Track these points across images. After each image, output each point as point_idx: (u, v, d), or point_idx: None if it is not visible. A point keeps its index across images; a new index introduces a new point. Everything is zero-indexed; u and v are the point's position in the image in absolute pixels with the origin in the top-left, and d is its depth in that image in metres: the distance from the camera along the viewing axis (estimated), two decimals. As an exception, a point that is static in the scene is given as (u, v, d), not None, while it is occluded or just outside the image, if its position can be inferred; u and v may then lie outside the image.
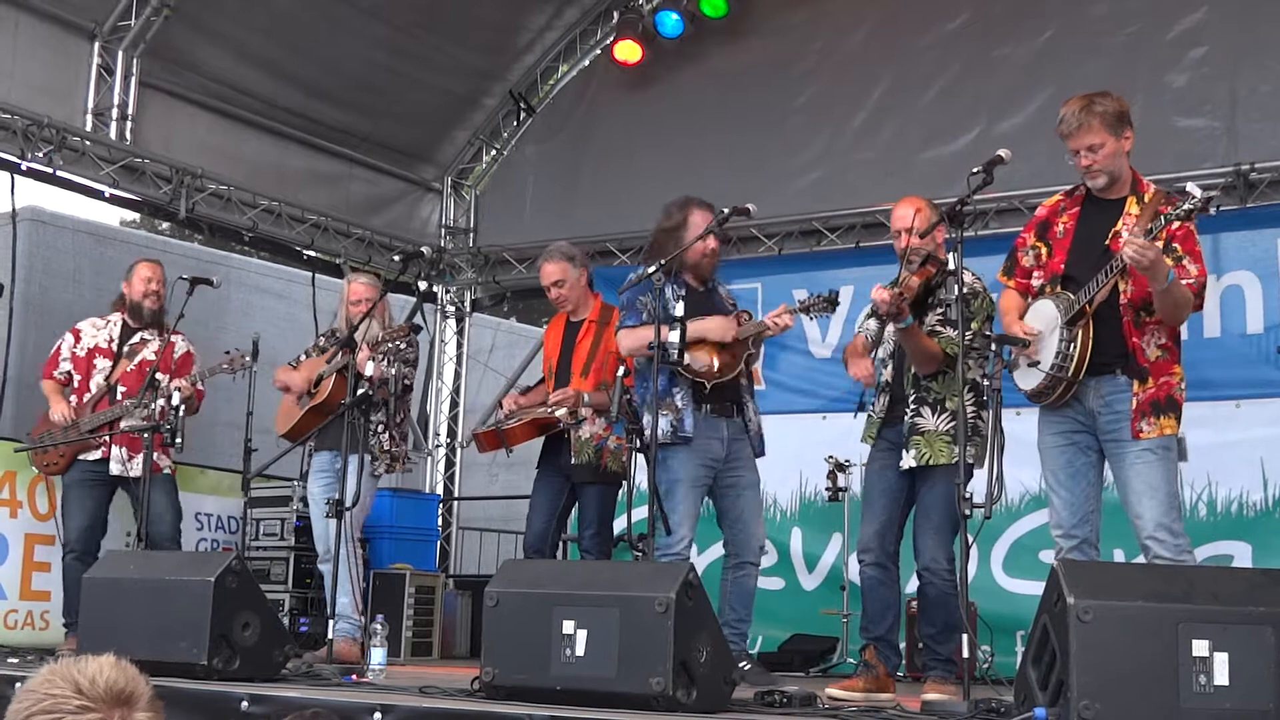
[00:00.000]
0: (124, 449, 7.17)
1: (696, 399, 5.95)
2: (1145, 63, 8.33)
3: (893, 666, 5.69)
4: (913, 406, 5.61)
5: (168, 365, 7.27)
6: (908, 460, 5.57)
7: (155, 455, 6.95)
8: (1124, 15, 8.47)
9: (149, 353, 7.34)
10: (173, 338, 7.40)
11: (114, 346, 7.36)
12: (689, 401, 5.94)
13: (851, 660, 7.80)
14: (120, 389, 7.23)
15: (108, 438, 7.13)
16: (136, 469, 7.07)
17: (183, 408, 6.78)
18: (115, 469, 7.19)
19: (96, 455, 7.21)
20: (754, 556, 6.11)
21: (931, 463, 5.50)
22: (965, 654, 4.76)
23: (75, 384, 7.39)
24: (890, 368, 5.80)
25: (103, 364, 7.34)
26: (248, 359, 7.04)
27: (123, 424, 7.12)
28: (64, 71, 8.67)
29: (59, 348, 7.47)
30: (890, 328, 5.74)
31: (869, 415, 5.87)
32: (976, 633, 6.18)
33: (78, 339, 7.47)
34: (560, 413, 6.73)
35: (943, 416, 5.55)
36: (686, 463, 5.89)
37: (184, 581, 5.29)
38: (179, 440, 6.72)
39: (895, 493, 5.69)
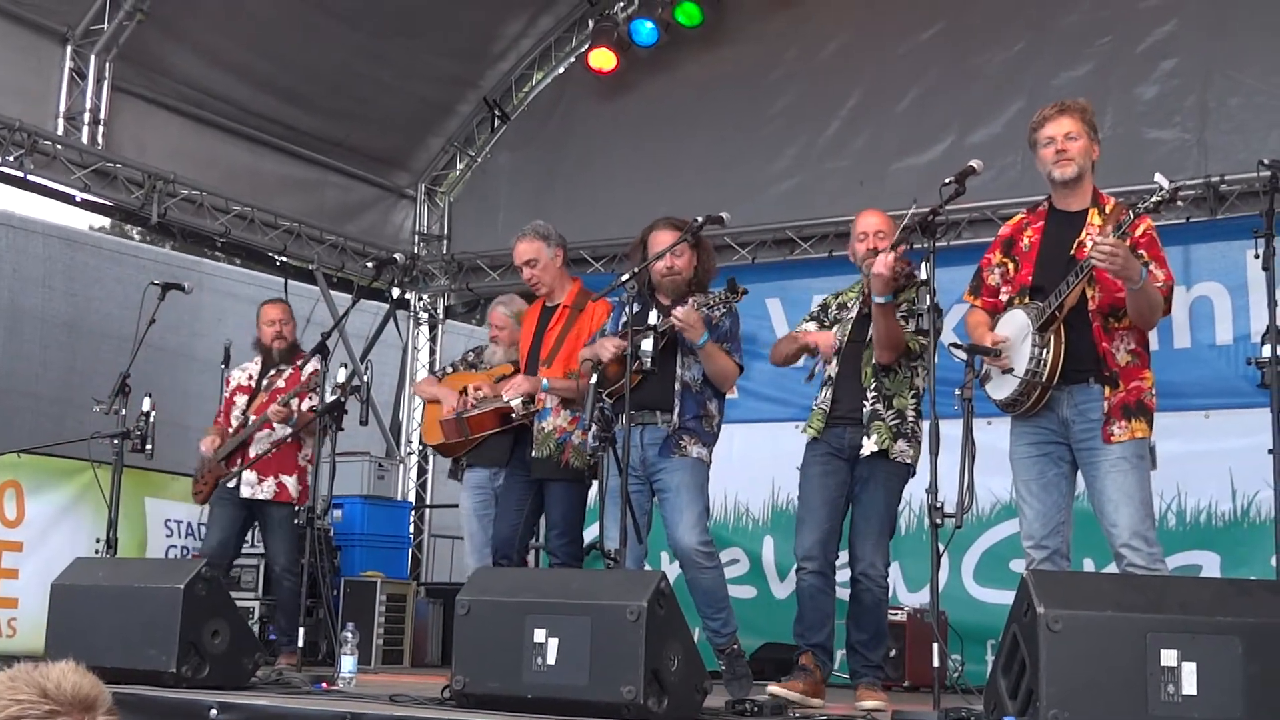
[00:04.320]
0: (254, 473, 7.48)
1: (616, 410, 5.85)
2: (1116, 74, 8.39)
3: (827, 672, 5.72)
4: (872, 396, 5.66)
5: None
6: (869, 445, 5.60)
7: (282, 479, 7.47)
8: (1096, 27, 8.52)
9: (280, 381, 7.64)
10: (300, 363, 7.66)
11: (253, 383, 7.74)
12: (611, 413, 5.86)
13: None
14: (252, 418, 7.55)
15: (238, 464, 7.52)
16: (265, 492, 7.49)
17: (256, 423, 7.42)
18: (245, 491, 7.49)
19: (234, 482, 7.53)
20: (685, 557, 5.73)
21: (888, 450, 5.59)
22: (936, 663, 4.76)
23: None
24: (836, 363, 5.82)
25: (241, 400, 7.75)
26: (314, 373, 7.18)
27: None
28: (35, 75, 8.62)
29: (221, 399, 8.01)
30: (835, 330, 5.84)
31: (814, 405, 5.86)
32: (947, 642, 6.20)
33: (228, 385, 7.97)
34: (515, 402, 6.40)
35: (890, 411, 5.65)
36: (608, 470, 5.77)
37: (153, 589, 5.27)
38: (149, 447, 6.72)
39: (836, 501, 5.72)
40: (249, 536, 8.13)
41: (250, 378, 7.78)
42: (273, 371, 7.71)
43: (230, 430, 7.67)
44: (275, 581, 7.74)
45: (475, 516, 7.02)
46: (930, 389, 4.95)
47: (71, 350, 10.31)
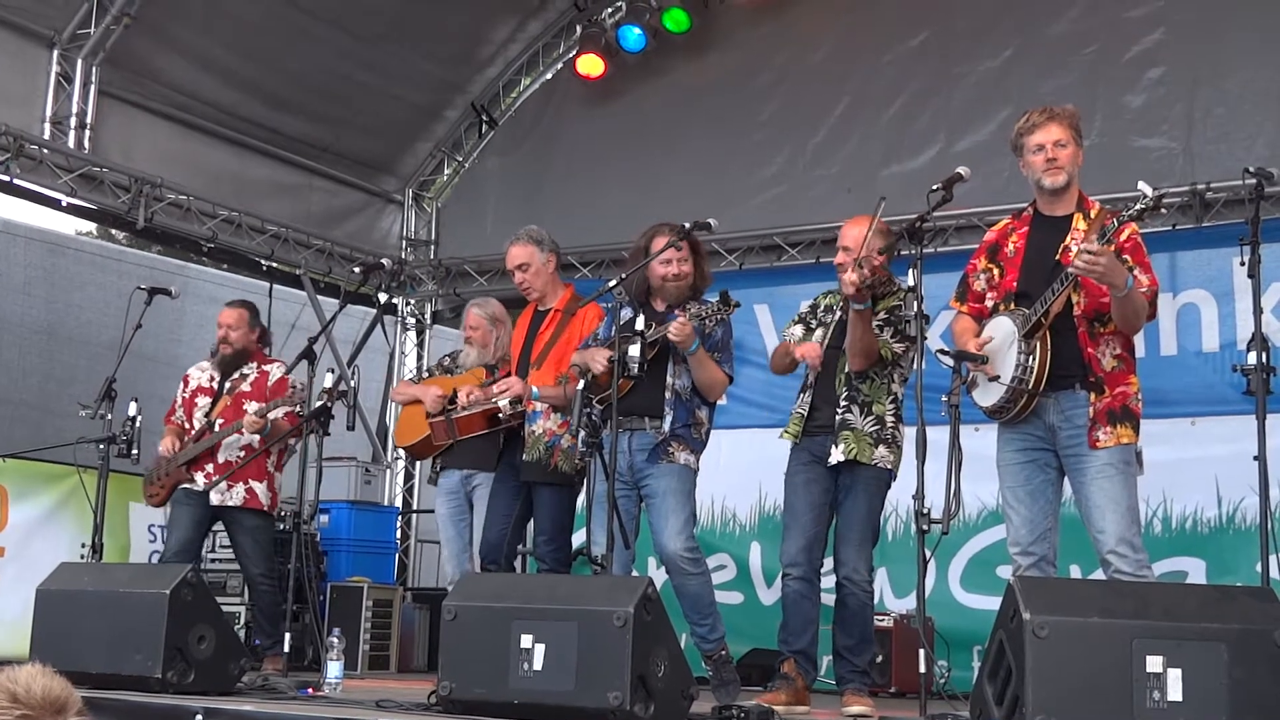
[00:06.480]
0: (223, 480, 7.34)
1: (604, 417, 5.83)
2: (1104, 83, 8.42)
3: (810, 679, 5.72)
4: (844, 404, 5.66)
5: (261, 393, 7.42)
6: (836, 455, 5.60)
7: (252, 485, 7.33)
8: (1083, 35, 8.55)
9: (245, 385, 7.51)
10: (266, 366, 7.58)
11: (215, 385, 7.58)
12: (599, 419, 5.83)
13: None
14: (219, 423, 7.40)
15: (207, 469, 7.36)
16: (234, 499, 7.35)
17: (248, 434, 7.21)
18: (215, 499, 7.35)
19: (200, 485, 7.38)
20: (671, 563, 5.75)
21: (857, 458, 5.57)
22: (922, 669, 4.76)
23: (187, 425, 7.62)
24: (818, 367, 5.82)
25: (204, 402, 7.56)
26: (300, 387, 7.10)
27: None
28: (22, 79, 8.59)
29: (175, 397, 7.72)
30: (817, 333, 5.85)
31: (792, 410, 5.88)
32: (934, 648, 6.20)
33: (186, 384, 7.71)
34: (503, 403, 6.39)
35: (868, 418, 5.63)
36: (595, 475, 5.77)
37: (139, 594, 5.25)
38: (135, 452, 6.70)
39: (821, 507, 5.72)
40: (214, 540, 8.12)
41: (212, 380, 7.60)
42: (236, 375, 7.55)
43: (191, 433, 7.47)
44: (252, 588, 7.68)
45: (451, 522, 7.00)
46: (918, 395, 4.94)
47: (49, 357, 10.29)
